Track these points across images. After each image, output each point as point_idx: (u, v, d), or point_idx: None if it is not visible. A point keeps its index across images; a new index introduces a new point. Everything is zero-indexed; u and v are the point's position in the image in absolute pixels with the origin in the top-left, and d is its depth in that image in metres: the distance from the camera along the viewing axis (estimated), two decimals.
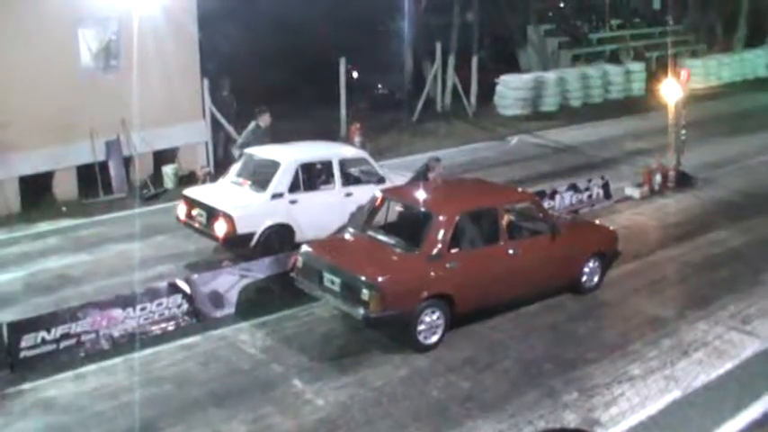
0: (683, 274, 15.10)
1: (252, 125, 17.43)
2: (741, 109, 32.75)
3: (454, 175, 17.21)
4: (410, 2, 28.55)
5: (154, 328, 12.34)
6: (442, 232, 12.08)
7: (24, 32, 18.26)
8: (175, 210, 15.93)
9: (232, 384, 11.00)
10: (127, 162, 20.47)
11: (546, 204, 16.21)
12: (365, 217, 13.30)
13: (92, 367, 11.43)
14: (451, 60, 30.96)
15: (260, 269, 13.51)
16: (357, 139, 23.05)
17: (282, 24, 30.44)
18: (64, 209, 18.93)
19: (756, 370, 11.36)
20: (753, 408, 10.31)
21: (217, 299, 13.00)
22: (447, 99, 31.29)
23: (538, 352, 11.91)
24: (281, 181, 14.93)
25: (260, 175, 15.21)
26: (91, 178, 19.81)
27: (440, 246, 12.02)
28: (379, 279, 11.51)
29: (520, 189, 15.71)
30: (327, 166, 15.66)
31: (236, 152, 17.10)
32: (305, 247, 12.89)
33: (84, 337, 11.71)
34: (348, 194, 15.50)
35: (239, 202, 14.78)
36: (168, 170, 20.89)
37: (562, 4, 41.88)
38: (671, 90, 20.73)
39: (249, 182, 15.32)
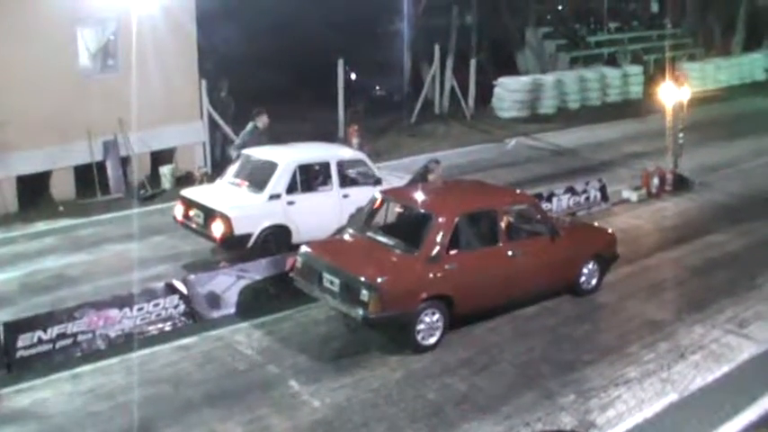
0: (680, 278, 15.10)
1: (249, 126, 17.43)
2: (739, 112, 32.81)
3: (452, 177, 17.20)
4: (409, 4, 28.57)
5: (150, 328, 12.33)
6: (441, 234, 12.08)
7: (23, 32, 18.24)
8: (173, 210, 15.92)
9: (228, 385, 10.99)
10: (124, 162, 20.47)
11: (543, 207, 16.20)
12: (365, 218, 13.30)
13: (88, 367, 11.41)
14: (450, 62, 31.01)
15: (257, 270, 13.51)
16: (355, 140, 23.03)
17: (281, 26, 30.46)
18: (61, 209, 18.92)
19: (753, 373, 11.37)
20: (749, 411, 10.31)
21: (214, 300, 12.99)
22: (445, 101, 31.31)
23: (535, 354, 11.91)
24: (278, 182, 14.92)
25: (257, 176, 15.20)
26: (88, 178, 19.80)
27: (439, 247, 12.03)
28: (379, 280, 11.51)
29: (518, 191, 15.71)
30: (325, 167, 15.65)
31: (233, 153, 17.10)
32: (304, 248, 12.89)
33: (80, 338, 11.70)
34: (345, 196, 15.50)
35: (237, 203, 14.77)
36: (166, 170, 20.88)
37: (560, 7, 41.89)
38: (669, 93, 20.74)
39: (247, 183, 15.30)
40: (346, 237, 13.24)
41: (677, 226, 18.14)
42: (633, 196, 19.87)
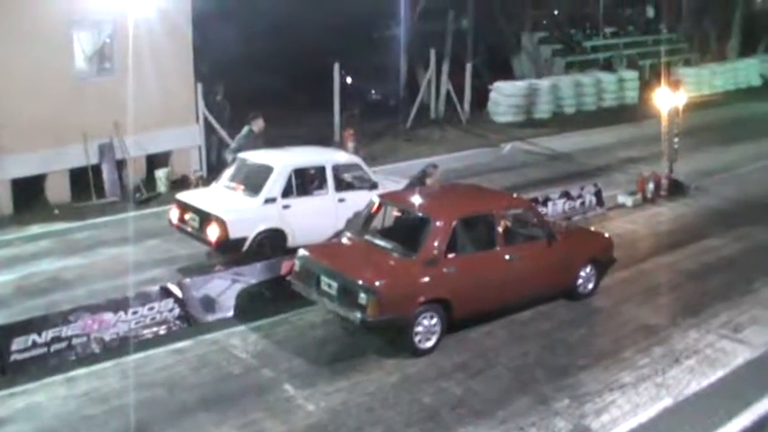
0: (675, 282, 15.11)
1: (245, 130, 17.44)
2: (734, 117, 32.87)
3: (447, 182, 17.18)
4: (405, 8, 28.59)
5: (145, 332, 12.30)
6: (438, 237, 12.10)
7: (19, 35, 18.24)
8: (168, 214, 15.92)
9: (223, 389, 10.97)
10: (120, 165, 20.46)
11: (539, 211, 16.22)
12: (362, 221, 13.31)
13: (82, 371, 11.38)
14: (445, 67, 31.02)
15: (252, 274, 13.50)
16: (350, 144, 23.08)
17: (277, 29, 30.50)
18: (56, 212, 18.91)
19: (747, 378, 11.37)
20: (743, 416, 10.31)
21: (209, 303, 12.98)
22: (441, 105, 31.32)
23: (530, 359, 11.90)
24: (273, 186, 14.92)
25: (253, 180, 15.20)
26: (84, 181, 19.79)
27: (437, 251, 12.04)
28: (377, 283, 11.51)
29: (515, 195, 15.73)
30: (320, 171, 15.65)
31: (229, 157, 17.10)
32: (302, 251, 12.88)
33: (75, 341, 11.67)
34: (341, 200, 15.49)
35: (232, 207, 14.76)
36: (161, 174, 20.88)
37: (556, 12, 41.96)
38: (664, 98, 20.77)
39: (242, 186, 15.30)
40: (344, 240, 13.24)
41: (672, 231, 18.16)
42: (629, 201, 19.89)
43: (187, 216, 15.18)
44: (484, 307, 12.69)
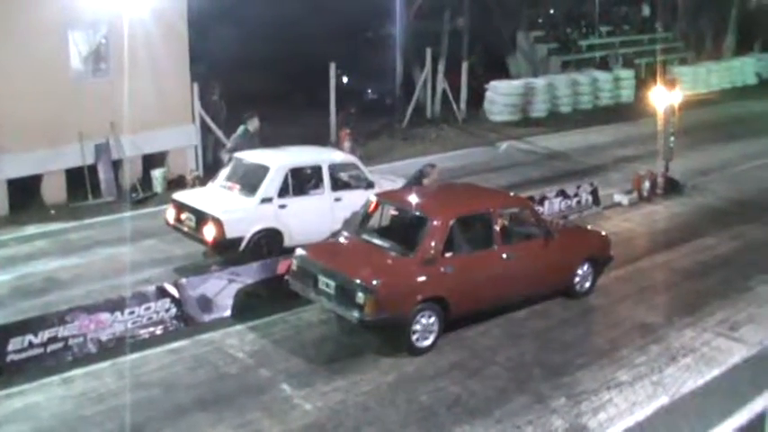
0: (671, 281, 15.14)
1: (241, 129, 17.44)
2: (730, 116, 32.90)
3: (444, 181, 17.18)
4: (401, 8, 28.57)
5: (142, 332, 12.30)
6: (436, 236, 12.11)
7: (14, 35, 18.21)
8: (164, 214, 15.90)
9: (220, 389, 10.97)
10: (116, 165, 20.44)
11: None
12: (360, 220, 13.31)
13: (79, 371, 11.38)
14: (441, 66, 31.01)
15: (249, 274, 13.49)
16: (347, 144, 23.04)
17: (273, 29, 30.44)
18: (52, 212, 18.89)
19: (744, 376, 11.40)
20: (740, 414, 10.32)
21: (205, 303, 12.97)
22: (437, 105, 31.30)
23: (526, 357, 11.92)
24: (270, 185, 14.92)
25: (249, 180, 15.20)
26: (80, 181, 19.76)
27: (434, 250, 12.06)
28: (374, 282, 11.52)
29: (512, 194, 15.75)
30: (317, 170, 15.65)
31: (225, 156, 17.10)
32: (300, 251, 12.89)
33: (71, 341, 11.66)
34: (337, 199, 15.50)
35: (228, 207, 14.76)
36: (157, 174, 20.86)
37: (552, 11, 41.95)
38: (660, 97, 20.78)
39: (238, 186, 15.30)
40: (342, 239, 13.25)
41: (668, 229, 18.19)
42: (624, 200, 19.92)
43: (183, 216, 15.18)
44: (481, 306, 12.71)
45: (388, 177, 17.05)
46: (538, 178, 22.52)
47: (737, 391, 10.92)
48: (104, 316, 11.97)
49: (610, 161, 24.80)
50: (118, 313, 12.10)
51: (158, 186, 20.76)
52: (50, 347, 11.49)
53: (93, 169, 20.02)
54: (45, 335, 11.44)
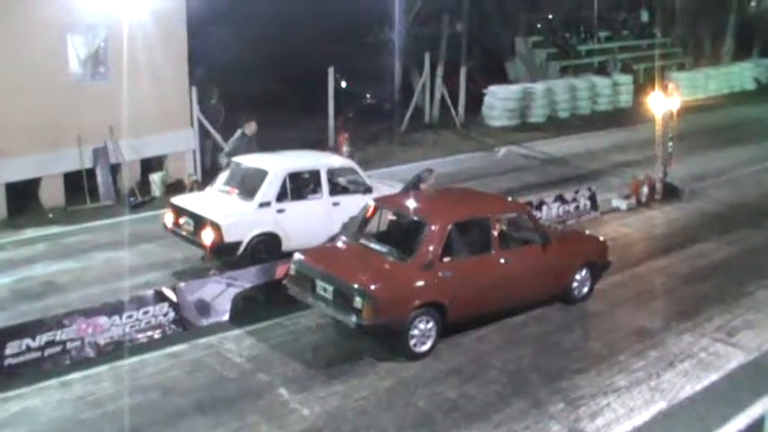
0: (669, 286, 15.14)
1: (238, 133, 17.47)
2: (728, 121, 32.95)
3: (442, 186, 17.19)
4: (399, 12, 28.61)
5: (140, 336, 12.30)
6: (434, 241, 12.11)
7: (13, 38, 18.22)
8: (163, 218, 15.89)
9: (218, 393, 10.96)
10: (114, 169, 20.44)
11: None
12: (358, 225, 13.31)
13: (77, 375, 11.37)
14: (440, 71, 31.05)
15: (247, 278, 13.49)
16: (345, 148, 23.08)
17: (272, 33, 30.46)
18: (50, 216, 18.88)
19: (741, 382, 11.39)
20: (737, 419, 10.33)
21: (203, 307, 12.97)
22: (435, 109, 31.36)
23: (524, 362, 11.91)
24: (268, 190, 14.92)
25: (247, 184, 15.19)
26: (78, 185, 19.76)
27: (432, 255, 12.05)
28: (372, 287, 11.53)
29: (510, 199, 15.76)
30: (315, 175, 15.65)
31: (223, 161, 17.11)
32: (298, 255, 12.89)
33: (69, 345, 11.65)
34: (335, 204, 15.51)
35: (227, 211, 14.76)
36: (156, 178, 20.86)
37: (551, 16, 42.01)
38: (659, 102, 20.80)
39: (237, 190, 15.30)
40: (339, 244, 13.25)
41: (666, 234, 18.19)
42: (623, 205, 19.93)
43: (182, 220, 15.18)
44: (479, 311, 12.70)
45: (386, 182, 17.06)
46: (536, 183, 22.53)
47: (735, 396, 10.91)
48: (102, 320, 11.97)
49: (608, 166, 24.82)
50: (116, 317, 12.09)
51: (157, 190, 20.76)
52: (48, 351, 11.48)
53: (91, 173, 20.03)
54: (43, 338, 11.43)
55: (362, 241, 12.95)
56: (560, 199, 18.69)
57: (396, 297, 11.71)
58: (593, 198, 19.39)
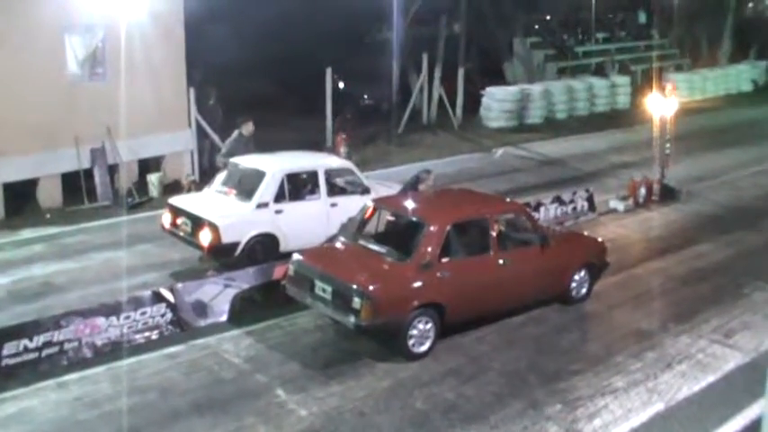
0: (666, 287, 15.14)
1: (235, 134, 17.45)
2: (725, 123, 33.01)
3: (440, 186, 17.20)
4: (397, 13, 28.61)
5: (137, 336, 12.29)
6: (433, 242, 12.11)
7: (11, 39, 18.22)
8: (160, 218, 15.89)
9: (215, 394, 10.96)
10: (112, 170, 20.44)
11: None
12: (357, 226, 13.31)
13: (74, 376, 11.36)
14: (438, 72, 31.07)
15: (244, 279, 13.48)
16: (343, 149, 23.08)
17: (270, 34, 30.47)
18: (48, 216, 18.88)
19: (738, 383, 11.39)
20: (735, 421, 10.35)
21: (201, 308, 12.96)
22: (433, 110, 31.37)
23: (521, 363, 11.92)
24: (266, 191, 14.92)
25: (245, 185, 15.19)
26: (75, 186, 19.76)
27: (431, 255, 12.05)
28: (371, 287, 11.53)
29: (509, 199, 15.76)
30: (313, 176, 15.65)
31: (220, 161, 17.08)
32: (296, 256, 12.89)
33: (66, 346, 11.64)
34: (333, 205, 15.50)
35: (224, 212, 14.75)
36: (153, 178, 20.86)
37: (549, 17, 42.05)
38: (656, 103, 20.82)
39: (234, 191, 15.29)
40: (338, 244, 13.25)
41: (664, 236, 18.20)
42: (620, 206, 19.94)
43: (179, 221, 15.17)
44: (477, 312, 12.70)
45: (384, 183, 17.06)
46: (534, 184, 22.54)
47: (732, 398, 10.92)
48: (100, 320, 11.96)
49: (606, 167, 24.84)
50: (113, 318, 12.08)
51: (154, 191, 20.76)
52: (45, 352, 11.47)
53: (89, 173, 20.02)
54: (40, 339, 11.42)
55: (361, 242, 12.94)
56: (558, 200, 18.69)
57: (394, 297, 11.71)
58: (590, 199, 19.40)
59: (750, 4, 50.81)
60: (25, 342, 11.31)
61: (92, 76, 20.33)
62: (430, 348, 12.00)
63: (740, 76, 42.35)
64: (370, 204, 13.54)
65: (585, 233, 16.11)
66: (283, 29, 31.11)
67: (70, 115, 19.16)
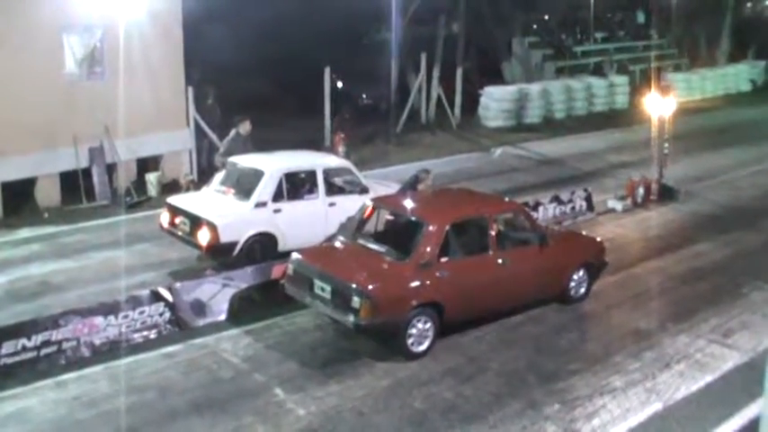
0: (665, 287, 15.14)
1: (232, 133, 17.46)
2: (723, 123, 33.03)
3: (438, 186, 17.20)
4: (396, 13, 28.61)
5: (135, 336, 12.28)
6: (432, 241, 12.11)
7: (9, 39, 18.21)
8: (158, 218, 15.88)
9: (214, 393, 10.95)
10: (110, 169, 20.44)
11: None
12: (356, 225, 13.31)
13: (73, 375, 11.36)
14: (436, 71, 31.07)
15: (243, 278, 13.48)
16: (341, 148, 23.09)
17: (268, 34, 30.49)
18: (46, 215, 18.88)
19: (737, 383, 11.39)
20: (733, 420, 10.34)
21: (199, 307, 12.95)
22: (431, 110, 31.39)
23: (520, 363, 11.91)
24: (264, 190, 14.91)
25: (244, 184, 15.19)
26: (74, 185, 19.75)
27: (430, 255, 12.05)
28: (370, 287, 11.53)
29: (508, 199, 15.76)
30: (311, 175, 15.64)
31: (218, 161, 17.07)
32: (295, 255, 12.89)
33: (65, 345, 11.63)
34: (331, 204, 15.50)
35: (223, 211, 14.75)
36: (152, 178, 20.85)
37: (547, 17, 42.06)
38: (655, 103, 20.83)
39: (233, 190, 15.29)
40: (337, 244, 13.25)
41: (662, 235, 18.20)
42: (618, 206, 19.94)
43: (178, 220, 15.17)
44: (476, 311, 12.70)
45: (382, 182, 17.06)
46: (532, 184, 22.54)
47: (731, 397, 10.92)
48: (98, 320, 11.95)
49: (604, 167, 24.85)
50: (111, 317, 12.07)
51: (153, 190, 20.75)
52: (44, 351, 11.46)
53: (87, 173, 20.02)
54: (38, 338, 11.41)
55: (360, 241, 12.95)
56: (556, 200, 18.69)
57: (393, 297, 11.71)
58: (589, 199, 19.40)
59: (749, 4, 50.88)
60: (24, 341, 11.30)
61: (90, 76, 20.32)
62: (429, 348, 12.00)
63: (739, 76, 42.39)
64: (369, 204, 13.55)
65: (584, 233, 16.12)
66: (282, 28, 31.12)
67: (68, 114, 19.15)
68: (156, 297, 12.59)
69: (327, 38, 31.16)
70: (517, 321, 13.26)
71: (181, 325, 12.74)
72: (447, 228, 12.30)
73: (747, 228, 18.61)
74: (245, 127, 17.35)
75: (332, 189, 15.85)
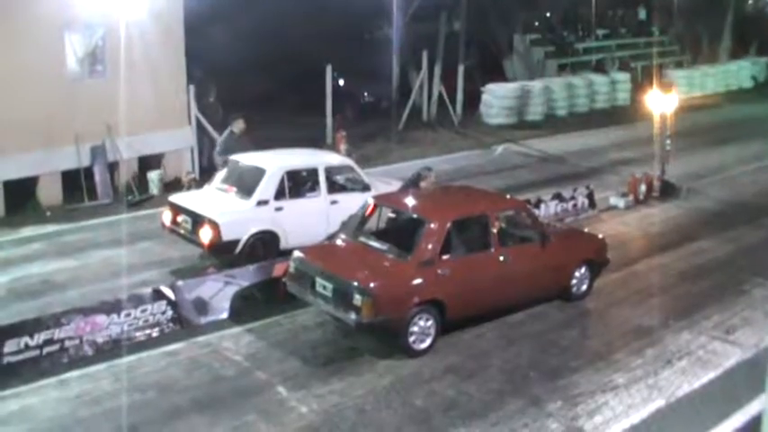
0: (667, 284, 15.13)
1: (226, 132, 17.48)
2: (725, 119, 33.01)
3: (440, 184, 17.20)
4: (397, 10, 28.60)
5: (138, 334, 12.29)
6: (433, 239, 12.11)
7: (11, 36, 18.22)
8: (160, 216, 15.89)
9: (216, 391, 10.96)
10: (112, 167, 20.44)
11: None
12: (357, 223, 13.31)
13: (75, 373, 11.37)
14: (438, 69, 31.05)
15: (245, 276, 13.48)
16: (343, 146, 23.08)
17: (269, 32, 30.47)
18: (48, 214, 18.88)
19: (739, 379, 11.40)
20: (735, 417, 10.34)
21: (201, 306, 12.96)
22: (433, 108, 31.36)
23: (522, 360, 11.92)
24: (266, 188, 14.92)
25: (245, 182, 15.19)
26: (76, 183, 19.75)
27: (431, 252, 12.05)
28: (372, 285, 11.53)
29: (509, 196, 15.76)
30: (313, 173, 15.64)
31: (218, 160, 17.09)
32: (297, 253, 12.89)
33: (67, 343, 11.65)
34: (333, 202, 15.50)
35: (225, 209, 14.75)
36: (153, 176, 20.85)
37: (549, 14, 42.02)
38: (656, 100, 20.81)
39: (235, 189, 15.29)
40: (339, 242, 13.25)
41: (664, 232, 18.20)
42: (620, 203, 19.93)
43: (180, 218, 15.17)
44: (478, 309, 12.70)
45: (384, 180, 17.05)
46: (534, 181, 22.53)
47: (733, 394, 10.91)
48: (100, 318, 11.97)
49: (606, 164, 24.83)
50: (114, 315, 12.08)
51: (154, 188, 20.76)
52: (46, 349, 11.48)
53: (89, 171, 20.02)
54: (41, 337, 11.43)
55: (362, 239, 12.96)
56: (558, 197, 18.69)
57: (395, 295, 11.71)
58: (591, 196, 19.39)
59: (750, 1, 50.77)
60: (26, 340, 11.32)
61: (92, 74, 20.31)
62: (430, 345, 12.01)
63: (740, 73, 42.34)
64: (371, 201, 13.55)
65: (586, 230, 16.12)
66: (283, 26, 31.12)
67: (70, 113, 19.15)
68: (159, 295, 12.60)
69: (329, 35, 31.15)
70: (519, 318, 13.26)
71: (183, 323, 12.74)
72: (449, 225, 12.31)
73: (749, 224, 18.59)
74: (238, 125, 17.40)
75: (334, 187, 15.85)
